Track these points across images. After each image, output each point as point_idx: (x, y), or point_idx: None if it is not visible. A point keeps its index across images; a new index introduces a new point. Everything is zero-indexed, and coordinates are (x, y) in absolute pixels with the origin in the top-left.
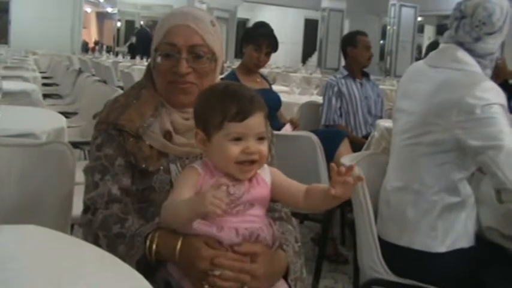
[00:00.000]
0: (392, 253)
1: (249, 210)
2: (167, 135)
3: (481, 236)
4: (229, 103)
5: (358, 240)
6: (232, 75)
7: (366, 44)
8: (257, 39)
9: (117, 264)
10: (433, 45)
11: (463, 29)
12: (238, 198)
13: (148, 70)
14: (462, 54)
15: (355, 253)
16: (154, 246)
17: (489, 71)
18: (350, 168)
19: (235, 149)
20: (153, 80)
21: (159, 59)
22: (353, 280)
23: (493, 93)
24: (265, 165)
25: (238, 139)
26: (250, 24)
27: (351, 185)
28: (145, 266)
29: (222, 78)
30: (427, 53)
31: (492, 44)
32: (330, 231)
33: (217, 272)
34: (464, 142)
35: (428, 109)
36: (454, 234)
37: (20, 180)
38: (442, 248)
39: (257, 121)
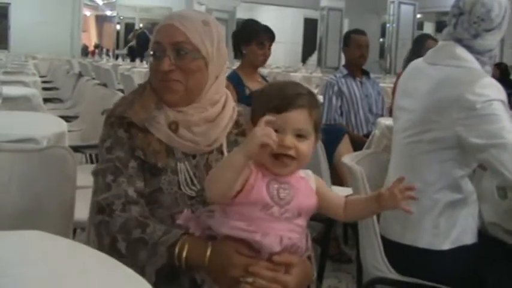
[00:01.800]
0: (396, 251)
1: (296, 219)
2: (172, 125)
3: (484, 232)
4: (272, 95)
5: (361, 239)
6: (235, 75)
7: (357, 43)
8: (258, 36)
9: (120, 268)
10: (419, 40)
11: (462, 25)
12: (287, 202)
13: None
14: (461, 51)
15: (358, 252)
16: (184, 254)
17: (488, 68)
18: (411, 187)
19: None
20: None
21: (151, 59)
22: (356, 279)
23: (493, 89)
24: (311, 173)
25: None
26: None
27: (400, 200)
28: (168, 272)
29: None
30: (413, 48)
31: (491, 41)
32: (332, 230)
33: (250, 280)
34: (466, 139)
35: (428, 107)
36: (456, 231)
37: (21, 186)
38: (445, 246)
39: (297, 117)
